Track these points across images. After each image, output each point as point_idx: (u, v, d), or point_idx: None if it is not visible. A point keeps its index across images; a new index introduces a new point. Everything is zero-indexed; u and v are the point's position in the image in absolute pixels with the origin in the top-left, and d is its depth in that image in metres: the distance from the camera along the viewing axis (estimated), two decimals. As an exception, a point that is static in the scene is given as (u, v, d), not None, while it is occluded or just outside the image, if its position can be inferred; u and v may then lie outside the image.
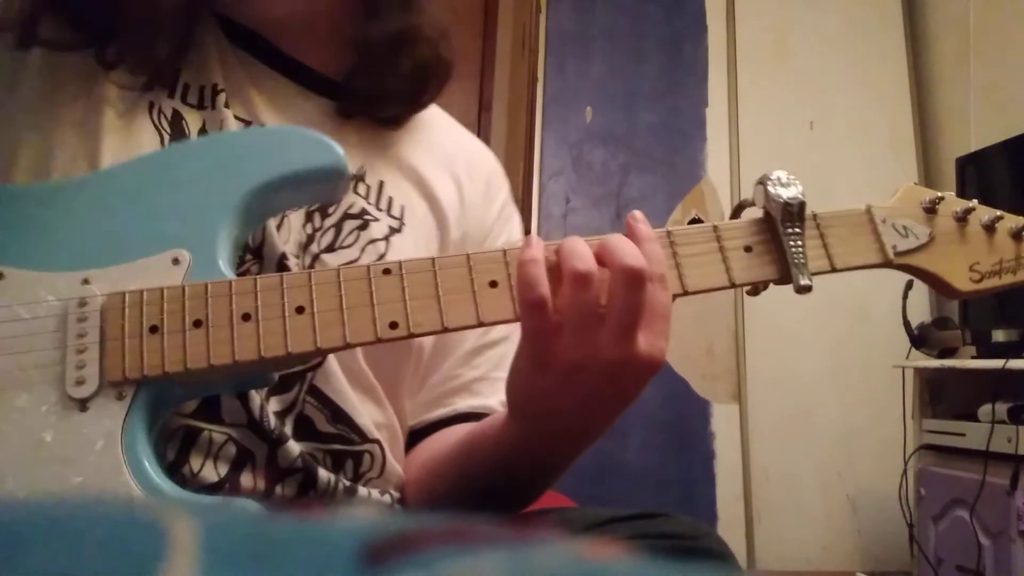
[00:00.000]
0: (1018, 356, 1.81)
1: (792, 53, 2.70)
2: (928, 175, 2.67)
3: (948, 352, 2.17)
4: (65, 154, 0.63)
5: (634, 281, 0.54)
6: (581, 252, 0.55)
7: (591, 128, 2.60)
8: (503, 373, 0.78)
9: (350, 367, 0.67)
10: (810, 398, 2.48)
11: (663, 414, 2.41)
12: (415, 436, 0.76)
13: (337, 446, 0.67)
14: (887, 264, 0.64)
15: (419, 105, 0.77)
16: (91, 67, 0.66)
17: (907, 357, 2.22)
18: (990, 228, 0.67)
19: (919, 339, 2.20)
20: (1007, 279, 0.66)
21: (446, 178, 0.78)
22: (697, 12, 2.70)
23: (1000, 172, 2.23)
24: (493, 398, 0.76)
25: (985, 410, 1.84)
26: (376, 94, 0.73)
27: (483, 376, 0.77)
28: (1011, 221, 0.67)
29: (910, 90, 2.71)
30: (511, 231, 0.82)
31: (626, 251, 0.55)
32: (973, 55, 2.49)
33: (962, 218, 0.66)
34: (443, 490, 0.70)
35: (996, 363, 1.81)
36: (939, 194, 0.67)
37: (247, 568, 0.17)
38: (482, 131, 2.88)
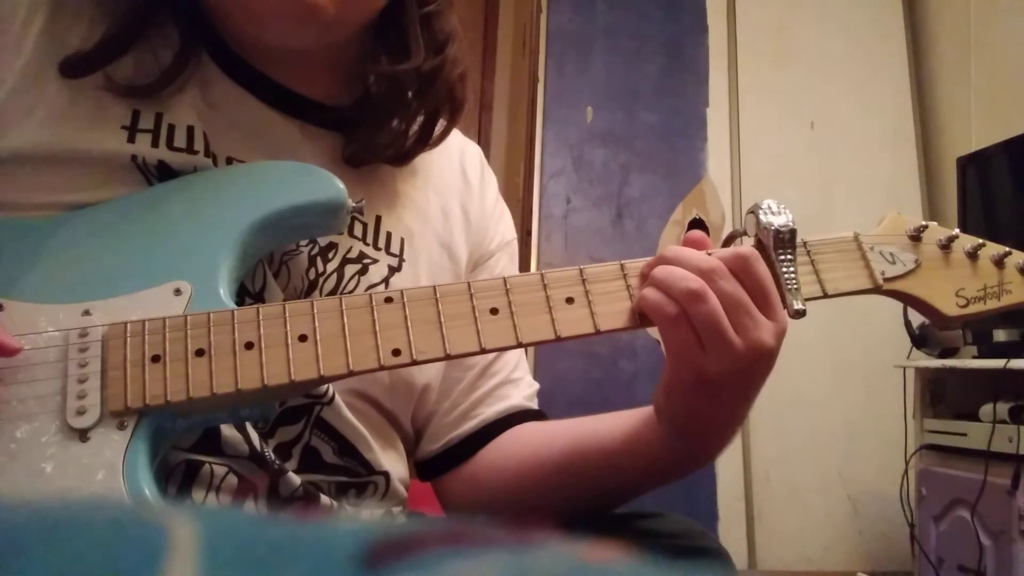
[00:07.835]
0: (1019, 356, 1.80)
1: (792, 53, 2.70)
2: (928, 175, 2.66)
3: (949, 352, 2.17)
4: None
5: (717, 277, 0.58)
6: (684, 274, 0.58)
7: (591, 128, 2.60)
8: (521, 373, 0.78)
9: (355, 405, 0.67)
10: (810, 398, 2.47)
11: (664, 414, 2.40)
12: (448, 455, 0.75)
13: (342, 478, 0.67)
14: (876, 290, 0.66)
15: (428, 145, 0.74)
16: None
17: (908, 357, 2.22)
18: (973, 255, 0.68)
19: (920, 339, 2.19)
20: (992, 304, 0.68)
21: (444, 195, 0.76)
22: (697, 12, 2.70)
23: (1000, 172, 2.22)
24: (519, 397, 0.77)
25: (986, 410, 1.84)
26: (383, 137, 0.70)
27: (504, 380, 0.76)
28: (992, 249, 0.69)
29: (910, 90, 2.70)
30: (504, 231, 0.81)
31: (681, 271, 0.58)
32: (973, 55, 2.49)
33: (946, 245, 0.68)
34: (556, 499, 0.71)
35: (997, 363, 1.81)
36: (923, 222, 0.68)
37: (247, 570, 0.17)
38: (482, 131, 2.88)
